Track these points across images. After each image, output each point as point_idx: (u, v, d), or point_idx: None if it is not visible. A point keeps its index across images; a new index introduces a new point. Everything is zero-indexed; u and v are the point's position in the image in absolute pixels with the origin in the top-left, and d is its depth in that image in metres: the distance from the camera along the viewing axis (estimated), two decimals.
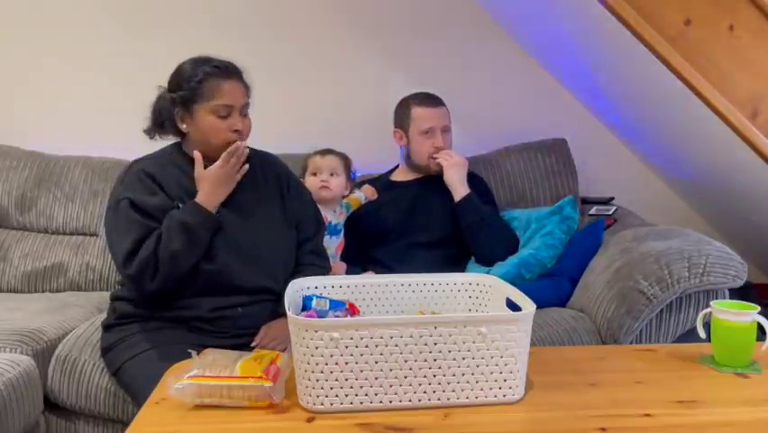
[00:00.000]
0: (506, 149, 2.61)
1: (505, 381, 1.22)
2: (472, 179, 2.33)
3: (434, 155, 2.29)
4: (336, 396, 1.18)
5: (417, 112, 2.32)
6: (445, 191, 2.27)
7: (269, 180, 1.83)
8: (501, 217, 2.37)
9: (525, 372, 1.25)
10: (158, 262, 1.61)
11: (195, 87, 1.66)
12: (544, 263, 2.15)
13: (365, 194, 2.32)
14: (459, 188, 2.25)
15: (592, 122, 2.80)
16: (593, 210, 2.56)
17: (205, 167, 1.69)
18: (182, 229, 1.61)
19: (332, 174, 2.14)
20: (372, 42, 2.73)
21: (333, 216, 2.16)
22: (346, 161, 2.19)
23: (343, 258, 2.19)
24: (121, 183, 1.72)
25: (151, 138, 1.77)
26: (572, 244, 2.22)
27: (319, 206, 2.04)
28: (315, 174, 2.14)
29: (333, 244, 2.15)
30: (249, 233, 1.73)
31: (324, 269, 1.89)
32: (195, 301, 1.68)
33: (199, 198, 1.66)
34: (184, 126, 1.70)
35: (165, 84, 1.74)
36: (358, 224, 2.26)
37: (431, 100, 2.33)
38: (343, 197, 2.22)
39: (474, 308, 1.49)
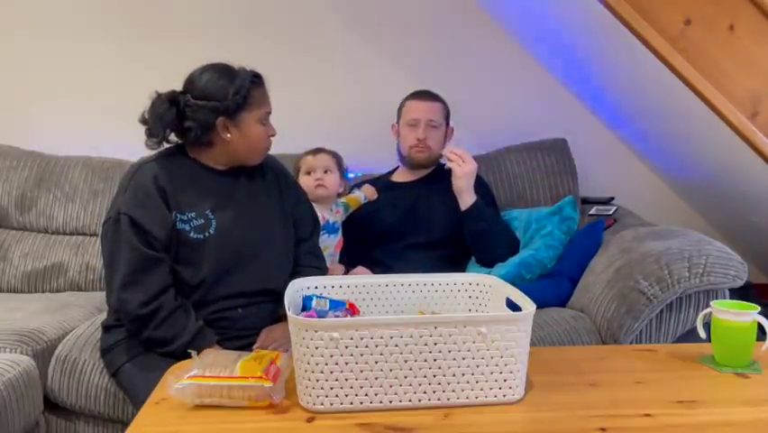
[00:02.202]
0: (506, 149, 2.61)
1: (505, 381, 1.22)
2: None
3: (449, 153, 2.24)
4: (336, 396, 1.18)
5: (408, 104, 2.36)
6: (445, 191, 2.26)
7: (267, 180, 1.83)
8: (502, 219, 2.36)
9: (525, 372, 1.25)
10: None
11: (245, 96, 1.66)
12: (544, 264, 2.15)
13: (365, 194, 2.32)
14: (466, 197, 2.23)
15: (592, 122, 2.80)
16: (593, 210, 2.56)
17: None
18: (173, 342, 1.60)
19: (326, 171, 2.14)
20: (372, 42, 2.73)
21: (330, 215, 2.16)
22: (338, 159, 2.19)
23: (343, 258, 2.19)
24: (124, 192, 1.65)
25: (156, 149, 1.72)
26: (572, 244, 2.22)
27: (316, 205, 2.03)
28: (308, 173, 2.14)
29: (333, 243, 2.15)
30: (248, 233, 1.72)
31: (321, 270, 1.89)
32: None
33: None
34: (228, 136, 1.68)
35: (163, 89, 1.68)
36: (358, 224, 2.26)
37: (423, 94, 2.36)
38: (339, 195, 2.22)
39: (474, 308, 1.49)
